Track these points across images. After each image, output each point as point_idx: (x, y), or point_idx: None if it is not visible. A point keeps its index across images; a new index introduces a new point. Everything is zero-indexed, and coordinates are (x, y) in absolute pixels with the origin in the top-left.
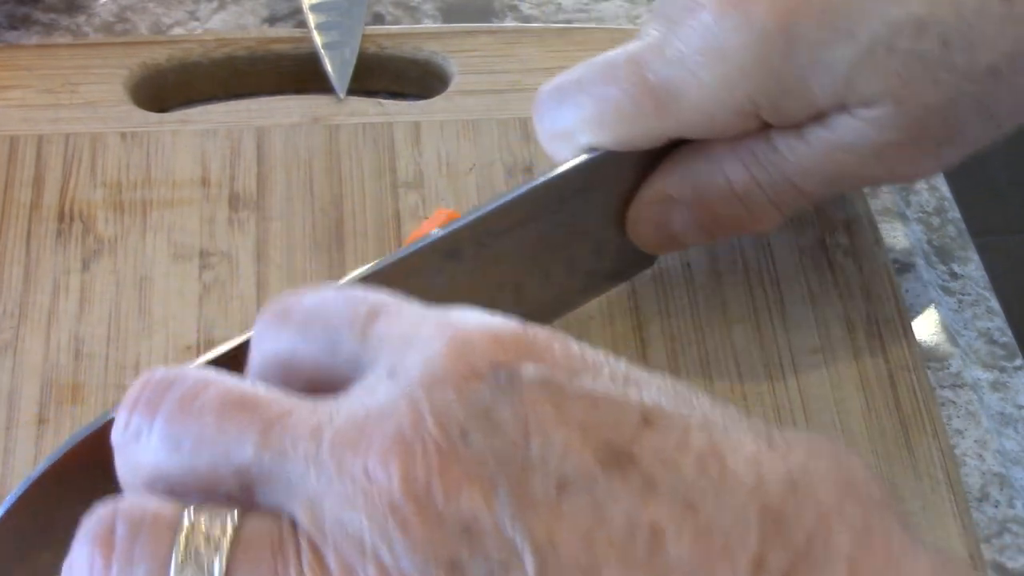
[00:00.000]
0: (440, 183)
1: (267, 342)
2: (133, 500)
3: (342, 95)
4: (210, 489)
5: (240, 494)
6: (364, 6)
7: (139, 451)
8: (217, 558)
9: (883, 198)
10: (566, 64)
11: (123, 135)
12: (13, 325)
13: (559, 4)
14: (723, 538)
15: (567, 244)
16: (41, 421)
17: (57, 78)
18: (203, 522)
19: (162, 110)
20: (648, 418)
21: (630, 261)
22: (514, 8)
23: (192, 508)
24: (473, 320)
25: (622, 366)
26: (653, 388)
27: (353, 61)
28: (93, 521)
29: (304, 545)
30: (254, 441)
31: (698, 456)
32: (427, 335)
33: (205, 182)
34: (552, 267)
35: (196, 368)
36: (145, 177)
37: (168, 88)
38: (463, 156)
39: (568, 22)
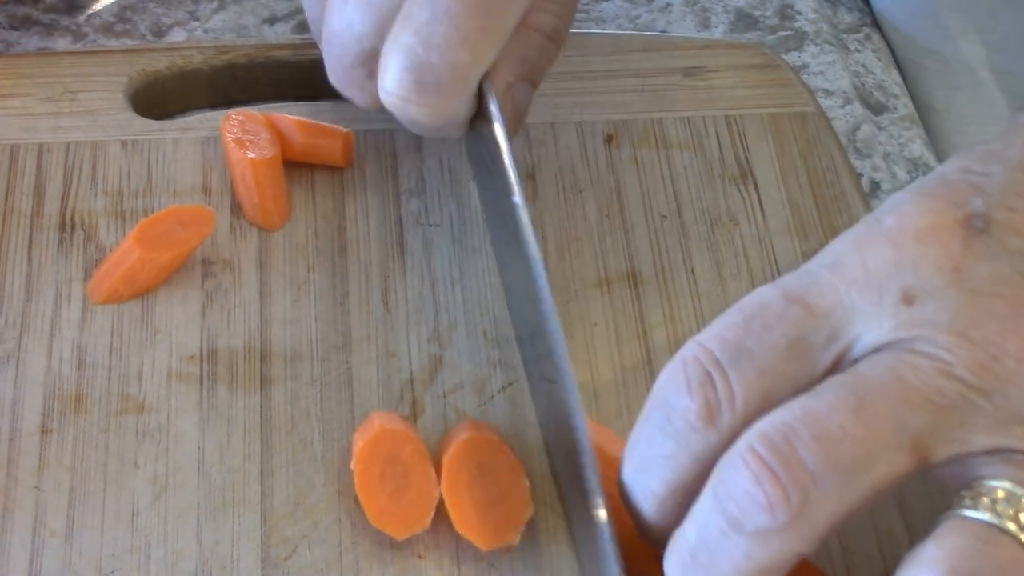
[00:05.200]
0: (442, 189)
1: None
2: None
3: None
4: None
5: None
6: None
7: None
8: None
9: (883, 199)
10: (566, 64)
11: (123, 143)
12: (15, 335)
13: None
14: None
15: None
16: (44, 431)
17: (57, 86)
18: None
19: (162, 117)
20: None
21: None
22: None
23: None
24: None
25: None
26: None
27: None
28: None
29: None
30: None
31: None
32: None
33: (206, 190)
34: None
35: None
36: (146, 185)
37: (168, 95)
38: (465, 162)
39: None
